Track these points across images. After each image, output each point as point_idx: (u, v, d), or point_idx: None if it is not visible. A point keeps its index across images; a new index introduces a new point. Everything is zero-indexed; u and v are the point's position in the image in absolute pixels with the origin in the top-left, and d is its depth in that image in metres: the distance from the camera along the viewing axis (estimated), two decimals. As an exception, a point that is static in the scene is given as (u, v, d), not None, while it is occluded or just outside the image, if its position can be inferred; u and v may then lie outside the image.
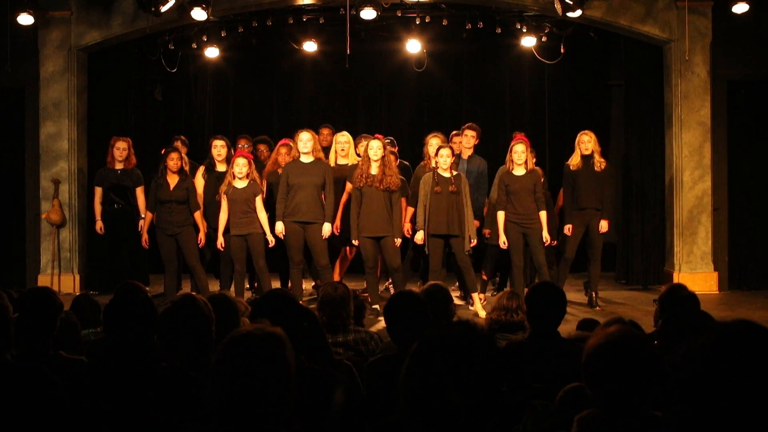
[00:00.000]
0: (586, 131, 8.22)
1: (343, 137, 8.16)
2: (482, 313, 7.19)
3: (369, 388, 3.33)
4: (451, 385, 1.77)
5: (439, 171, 7.53)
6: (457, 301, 8.14)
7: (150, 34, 9.41)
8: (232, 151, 8.24)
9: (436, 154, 7.58)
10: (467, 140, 8.46)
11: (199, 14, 8.62)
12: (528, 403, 2.87)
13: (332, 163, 8.03)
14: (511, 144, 7.99)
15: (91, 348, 3.79)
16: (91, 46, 9.42)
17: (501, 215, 7.72)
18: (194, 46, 9.98)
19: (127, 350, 2.79)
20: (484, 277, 8.51)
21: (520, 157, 7.67)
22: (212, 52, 10.18)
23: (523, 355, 3.58)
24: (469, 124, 8.70)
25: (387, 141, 8.04)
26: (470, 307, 7.84)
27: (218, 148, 8.17)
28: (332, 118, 10.91)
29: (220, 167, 8.14)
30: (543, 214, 7.69)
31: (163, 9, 8.43)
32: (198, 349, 2.95)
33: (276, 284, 8.08)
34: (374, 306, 7.38)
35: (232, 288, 8.01)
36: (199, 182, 8.21)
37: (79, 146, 9.38)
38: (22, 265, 9.57)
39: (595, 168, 8.01)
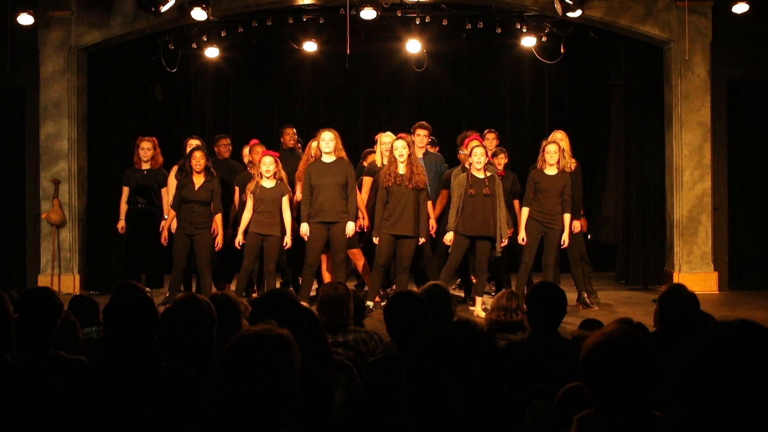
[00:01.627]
0: (558, 130, 8.21)
1: (388, 137, 8.13)
2: (482, 314, 7.19)
3: (369, 388, 3.33)
4: (451, 385, 1.77)
5: (473, 172, 7.52)
6: (455, 292, 8.16)
7: (150, 34, 9.42)
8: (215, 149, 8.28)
9: (471, 154, 7.58)
10: (420, 139, 8.43)
11: (199, 14, 8.62)
12: (528, 403, 2.87)
13: (379, 164, 7.99)
14: (544, 143, 7.90)
15: (91, 348, 3.80)
16: (91, 46, 9.42)
17: (525, 212, 7.74)
18: (194, 46, 9.98)
19: (127, 350, 2.78)
20: (473, 280, 8.46)
21: (552, 157, 7.69)
22: (212, 52, 10.18)
23: (523, 355, 3.58)
24: (420, 123, 8.66)
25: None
26: (470, 308, 7.84)
27: (193, 146, 8.13)
28: (332, 118, 10.93)
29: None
30: (567, 217, 7.70)
31: (163, 9, 8.43)
32: (199, 350, 2.95)
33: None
34: (368, 302, 7.31)
35: (233, 286, 8.01)
36: (171, 182, 8.18)
37: (79, 146, 9.38)
38: (22, 265, 9.57)
39: (565, 168, 7.98)
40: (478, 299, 7.70)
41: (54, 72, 9.29)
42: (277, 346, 1.95)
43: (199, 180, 7.76)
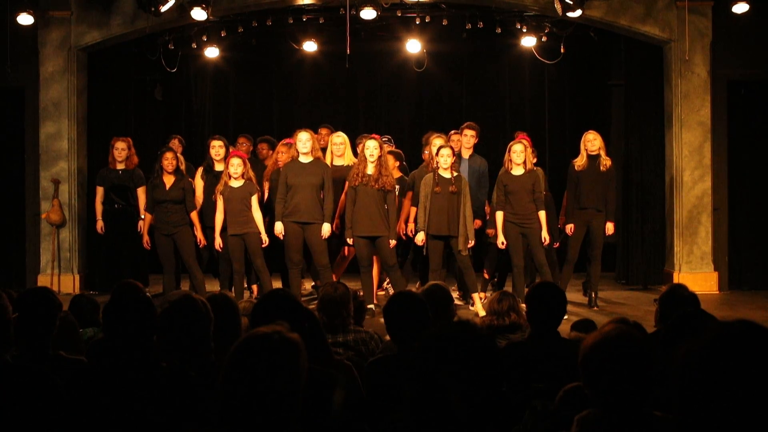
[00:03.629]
0: (590, 131, 8.21)
1: (339, 138, 8.15)
2: (482, 313, 7.19)
3: (369, 388, 3.33)
4: (451, 385, 1.77)
5: (440, 171, 7.54)
6: (457, 302, 8.17)
7: (150, 34, 9.42)
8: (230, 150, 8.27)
9: (437, 154, 7.60)
10: (467, 140, 8.46)
11: (199, 14, 8.62)
12: (528, 403, 2.87)
13: (328, 164, 8.02)
14: (510, 143, 8.03)
15: (91, 348, 3.79)
16: (91, 46, 9.42)
17: (500, 215, 7.72)
18: (194, 46, 9.98)
19: (127, 350, 2.78)
20: (486, 276, 8.53)
21: (519, 157, 7.67)
22: (212, 52, 10.18)
23: (523, 355, 3.58)
24: (469, 123, 8.71)
25: (384, 140, 8.06)
26: (470, 308, 7.84)
27: (216, 148, 8.17)
28: (332, 118, 10.92)
29: (219, 167, 8.14)
30: (542, 214, 7.68)
31: (163, 9, 8.44)
32: (197, 349, 2.95)
33: (277, 284, 8.06)
34: (369, 306, 7.34)
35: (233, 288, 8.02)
36: (198, 183, 8.22)
37: (79, 146, 9.38)
38: (22, 265, 9.56)
39: (600, 168, 7.98)
40: (476, 296, 7.71)
41: (54, 72, 9.29)
42: (286, 350, 1.94)
43: (169, 180, 7.81)
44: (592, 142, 8.01)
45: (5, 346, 2.71)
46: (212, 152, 8.20)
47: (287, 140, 8.24)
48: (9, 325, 2.75)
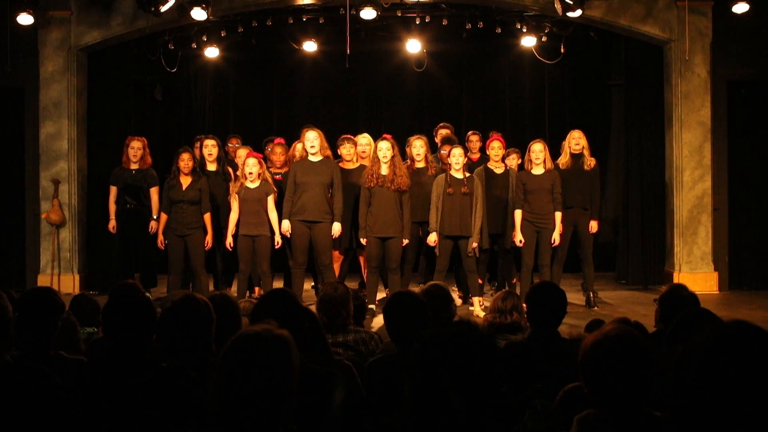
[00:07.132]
0: (576, 129, 8.23)
1: (364, 139, 8.18)
2: (482, 314, 7.20)
3: (369, 388, 3.33)
4: (451, 385, 1.77)
5: (452, 172, 7.54)
6: (456, 302, 8.16)
7: (150, 34, 9.42)
8: (222, 151, 8.29)
9: (449, 155, 7.60)
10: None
11: (199, 14, 8.63)
12: (528, 403, 2.87)
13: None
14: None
15: (91, 348, 3.79)
16: (91, 46, 9.42)
17: (518, 214, 7.75)
18: (194, 46, 9.98)
19: (127, 350, 2.78)
20: (480, 281, 8.51)
21: (538, 157, 7.72)
22: (212, 52, 10.18)
23: (523, 355, 3.58)
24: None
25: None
26: (470, 308, 7.84)
27: (209, 147, 8.16)
28: (332, 118, 10.93)
29: (211, 167, 8.15)
30: (558, 215, 7.73)
31: (163, 9, 8.44)
32: (198, 349, 2.95)
33: (279, 284, 8.06)
34: (370, 306, 7.34)
35: (233, 287, 8.01)
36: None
37: (79, 146, 9.37)
38: (22, 265, 9.56)
39: (585, 167, 8.00)
40: (476, 299, 7.71)
41: (54, 72, 9.29)
42: (276, 346, 1.95)
43: (186, 180, 7.77)
44: (577, 140, 8.03)
45: (5, 346, 2.71)
46: (205, 152, 8.18)
47: (280, 140, 8.29)
48: (9, 325, 2.75)
